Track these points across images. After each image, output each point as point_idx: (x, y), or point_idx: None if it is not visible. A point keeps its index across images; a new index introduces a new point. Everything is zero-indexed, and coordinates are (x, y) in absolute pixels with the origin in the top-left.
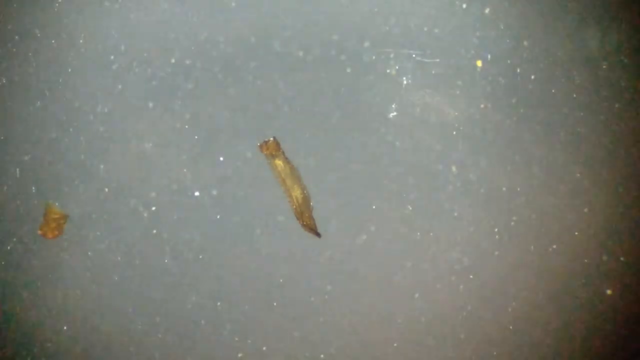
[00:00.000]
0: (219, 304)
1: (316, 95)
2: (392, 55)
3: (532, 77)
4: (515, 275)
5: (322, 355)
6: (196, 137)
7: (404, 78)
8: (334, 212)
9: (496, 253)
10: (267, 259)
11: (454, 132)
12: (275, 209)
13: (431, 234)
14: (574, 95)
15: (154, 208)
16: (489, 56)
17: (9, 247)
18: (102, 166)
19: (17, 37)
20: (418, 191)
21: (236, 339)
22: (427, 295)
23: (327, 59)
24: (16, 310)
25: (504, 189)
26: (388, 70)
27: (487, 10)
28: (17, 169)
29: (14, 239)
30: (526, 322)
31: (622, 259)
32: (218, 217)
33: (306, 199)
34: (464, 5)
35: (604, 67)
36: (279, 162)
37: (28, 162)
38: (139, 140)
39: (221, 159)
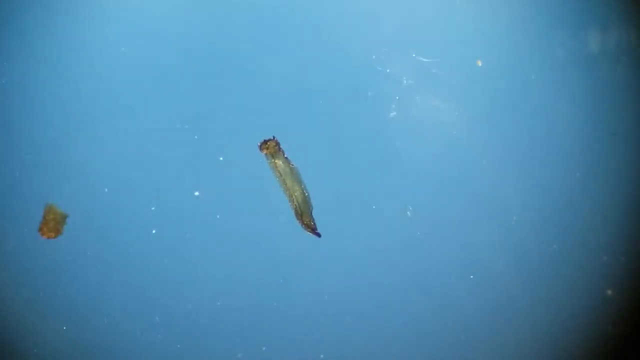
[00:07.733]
0: (219, 303)
1: (316, 95)
2: (392, 55)
3: (532, 77)
4: (516, 275)
5: (322, 356)
6: (196, 137)
7: (404, 78)
8: (334, 212)
9: (496, 253)
10: (267, 259)
11: (454, 132)
12: (275, 209)
13: (431, 234)
14: (574, 95)
15: (153, 208)
16: (489, 56)
17: (8, 247)
18: (102, 166)
19: (17, 37)
20: (418, 191)
21: (236, 339)
22: (427, 295)
23: (327, 58)
24: (15, 310)
25: (504, 189)
26: (388, 70)
27: (487, 10)
28: (17, 169)
29: (14, 239)
30: (526, 322)
31: (622, 259)
32: (218, 217)
33: (306, 199)
34: (464, 5)
35: (604, 67)
36: (279, 162)
37: (28, 162)
38: (139, 140)
39: (221, 159)
